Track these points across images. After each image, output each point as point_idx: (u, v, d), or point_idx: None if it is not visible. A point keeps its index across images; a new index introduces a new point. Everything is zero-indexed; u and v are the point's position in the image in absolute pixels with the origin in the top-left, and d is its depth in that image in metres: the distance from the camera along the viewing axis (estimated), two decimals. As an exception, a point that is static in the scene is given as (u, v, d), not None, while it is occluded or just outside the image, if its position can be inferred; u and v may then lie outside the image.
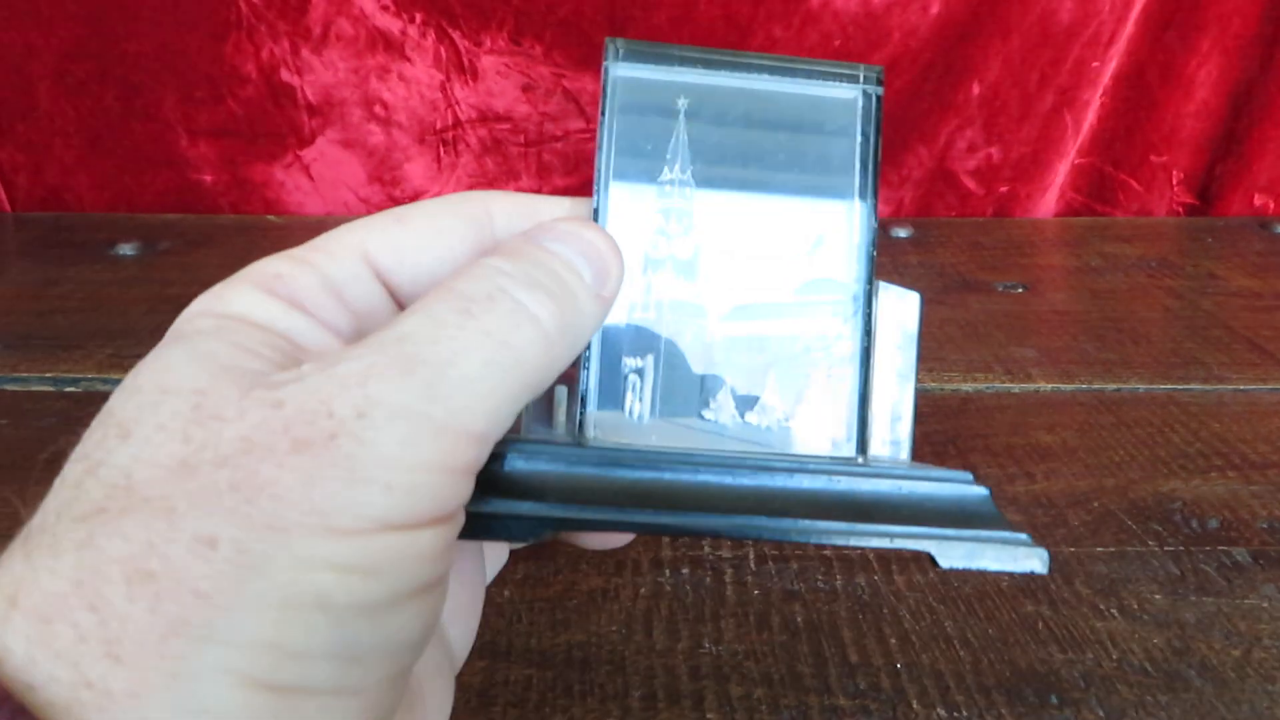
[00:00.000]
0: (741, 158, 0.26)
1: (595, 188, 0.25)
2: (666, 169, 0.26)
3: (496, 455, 0.22)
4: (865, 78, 0.26)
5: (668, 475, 0.23)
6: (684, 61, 0.26)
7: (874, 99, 0.26)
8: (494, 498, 0.22)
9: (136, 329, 0.63)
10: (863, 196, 0.26)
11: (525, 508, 0.22)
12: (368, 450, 0.18)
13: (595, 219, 0.25)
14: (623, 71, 0.26)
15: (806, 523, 0.22)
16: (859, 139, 0.26)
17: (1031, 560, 0.22)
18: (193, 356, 0.20)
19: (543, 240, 0.23)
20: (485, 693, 0.34)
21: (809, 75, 0.26)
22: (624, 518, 0.22)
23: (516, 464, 0.22)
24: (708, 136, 0.26)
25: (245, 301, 0.22)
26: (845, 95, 0.26)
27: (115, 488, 0.18)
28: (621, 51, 0.26)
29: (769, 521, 0.22)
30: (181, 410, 0.18)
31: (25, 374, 0.57)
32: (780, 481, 0.23)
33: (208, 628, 0.16)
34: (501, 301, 0.21)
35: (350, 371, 0.19)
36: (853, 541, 0.22)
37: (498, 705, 0.33)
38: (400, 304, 0.24)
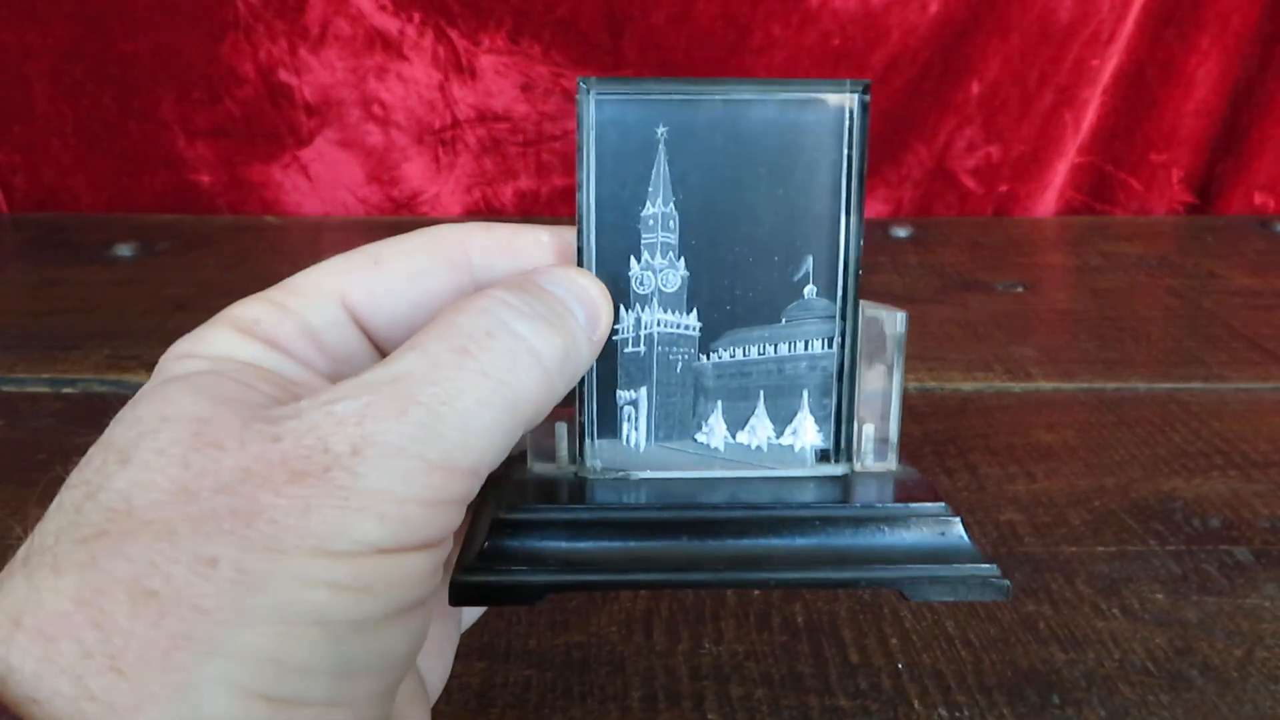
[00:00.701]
0: (724, 183, 0.26)
1: (579, 228, 0.25)
2: (649, 203, 0.25)
3: (501, 526, 0.24)
4: (852, 88, 0.26)
5: (659, 543, 0.24)
6: (660, 91, 0.25)
7: (862, 107, 0.25)
8: (494, 567, 0.23)
9: (134, 330, 0.63)
10: (848, 213, 0.26)
11: (526, 575, 0.23)
12: (361, 483, 0.18)
13: (580, 259, 0.26)
14: (598, 108, 0.25)
15: (785, 572, 0.23)
16: (844, 152, 0.26)
17: (995, 591, 0.23)
18: (192, 388, 0.20)
19: (540, 281, 0.23)
20: (484, 694, 0.34)
21: (792, 89, 0.26)
22: (618, 578, 0.24)
23: (515, 540, 0.24)
24: (689, 165, 0.25)
25: (227, 344, 0.22)
26: (830, 106, 0.25)
27: (115, 512, 0.18)
28: (595, 89, 0.25)
29: (750, 574, 0.23)
30: (181, 437, 0.19)
31: (22, 375, 0.57)
32: (764, 539, 0.24)
33: (210, 642, 0.17)
34: (501, 338, 0.21)
35: (347, 411, 0.19)
36: (826, 584, 0.24)
37: (497, 706, 0.33)
38: (378, 348, 0.25)
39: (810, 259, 0.26)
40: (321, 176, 0.88)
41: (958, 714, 0.33)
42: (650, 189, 0.25)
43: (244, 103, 0.85)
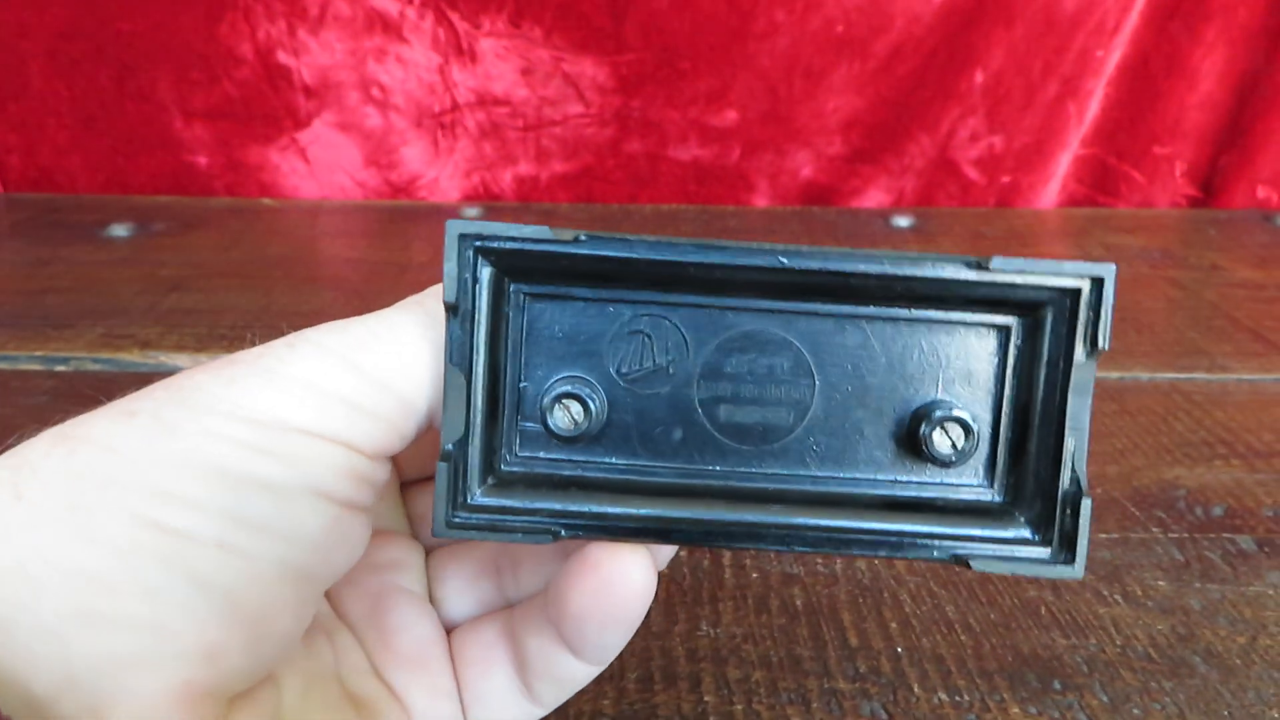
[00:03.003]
0: None
1: None
2: None
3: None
4: None
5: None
6: None
7: None
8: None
9: (128, 309, 0.62)
10: None
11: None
12: (287, 369, 0.20)
13: None
14: None
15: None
16: None
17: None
18: None
19: None
20: (478, 674, 0.33)
21: None
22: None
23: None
24: None
25: None
26: None
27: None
28: None
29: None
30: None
31: (15, 352, 0.56)
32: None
33: (112, 473, 0.18)
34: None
35: (295, 333, 0.21)
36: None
37: (490, 686, 0.33)
38: None
39: None
40: (319, 159, 0.87)
41: (958, 698, 0.32)
42: None
43: (242, 84, 0.85)
